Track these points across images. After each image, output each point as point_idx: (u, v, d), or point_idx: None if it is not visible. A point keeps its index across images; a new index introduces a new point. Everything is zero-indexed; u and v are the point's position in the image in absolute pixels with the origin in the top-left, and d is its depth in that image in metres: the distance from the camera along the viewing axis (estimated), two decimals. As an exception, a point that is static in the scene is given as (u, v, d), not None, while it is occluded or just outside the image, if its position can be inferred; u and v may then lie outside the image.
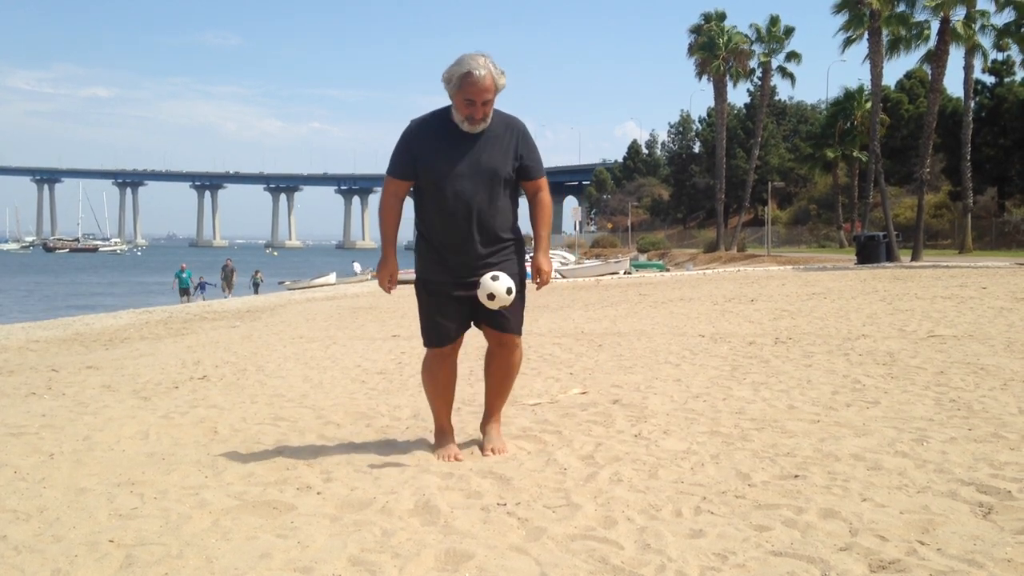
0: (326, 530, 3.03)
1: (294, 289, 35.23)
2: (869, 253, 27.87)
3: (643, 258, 48.66)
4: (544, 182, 4.05)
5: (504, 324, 3.97)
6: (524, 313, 4.05)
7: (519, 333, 4.05)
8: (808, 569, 2.57)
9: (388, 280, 4.01)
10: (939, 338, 7.83)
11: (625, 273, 32.96)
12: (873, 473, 3.52)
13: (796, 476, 3.51)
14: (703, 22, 47.44)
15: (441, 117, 3.89)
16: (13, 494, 3.57)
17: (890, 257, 28.15)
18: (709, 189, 57.83)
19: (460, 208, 3.82)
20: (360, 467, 3.85)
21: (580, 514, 3.11)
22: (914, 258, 28.84)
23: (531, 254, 4.11)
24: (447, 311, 3.93)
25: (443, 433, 4.13)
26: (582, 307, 14.07)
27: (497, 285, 3.72)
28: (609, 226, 75.09)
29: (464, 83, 3.72)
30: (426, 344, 4.03)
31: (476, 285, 3.80)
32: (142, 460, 4.11)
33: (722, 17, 47.31)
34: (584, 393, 5.62)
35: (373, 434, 4.57)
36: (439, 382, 4.08)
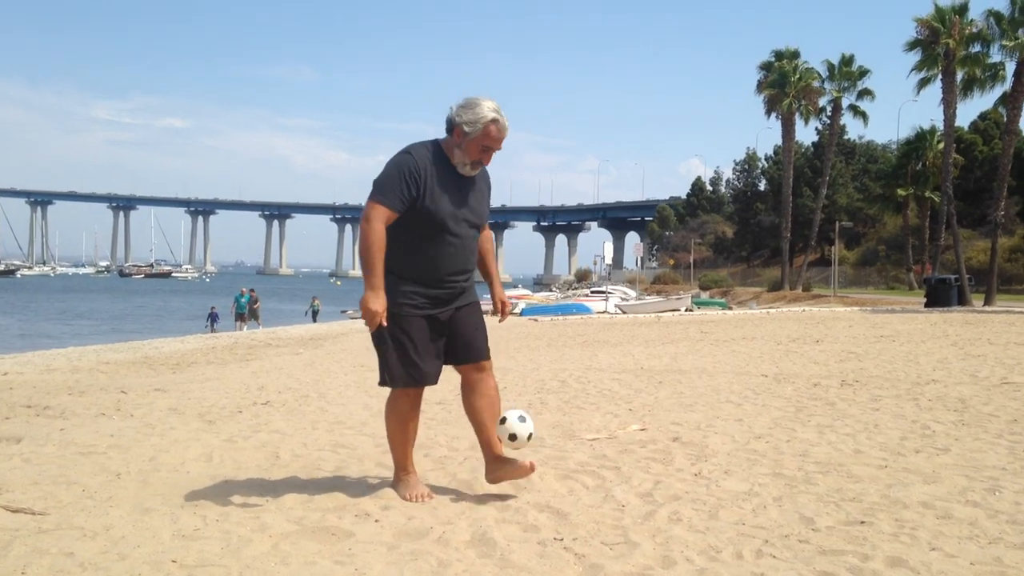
0: (383, 558, 3.04)
1: (356, 318, 35.57)
2: (939, 296, 27.17)
3: (705, 295, 48.16)
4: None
5: (481, 352, 3.98)
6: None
7: (490, 356, 4.07)
8: (873, 619, 2.49)
9: (381, 314, 3.62)
10: (1013, 385, 7.58)
11: (686, 310, 32.65)
12: (943, 522, 3.42)
13: (862, 522, 3.42)
14: (774, 59, 46.93)
15: (439, 154, 3.75)
16: (81, 512, 3.66)
17: (961, 301, 27.43)
18: (774, 227, 57.05)
19: (458, 249, 3.80)
20: (418, 497, 3.84)
21: (638, 552, 3.07)
22: (987, 302, 28.02)
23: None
24: (427, 349, 3.80)
25: (407, 473, 3.94)
26: (642, 343, 13.97)
27: (522, 427, 3.80)
28: (671, 262, 74.54)
29: (489, 130, 3.70)
30: (400, 384, 3.81)
31: (450, 316, 3.85)
32: (206, 482, 4.18)
33: (795, 55, 46.53)
34: (643, 430, 5.56)
35: (431, 464, 4.57)
36: (411, 425, 3.90)
